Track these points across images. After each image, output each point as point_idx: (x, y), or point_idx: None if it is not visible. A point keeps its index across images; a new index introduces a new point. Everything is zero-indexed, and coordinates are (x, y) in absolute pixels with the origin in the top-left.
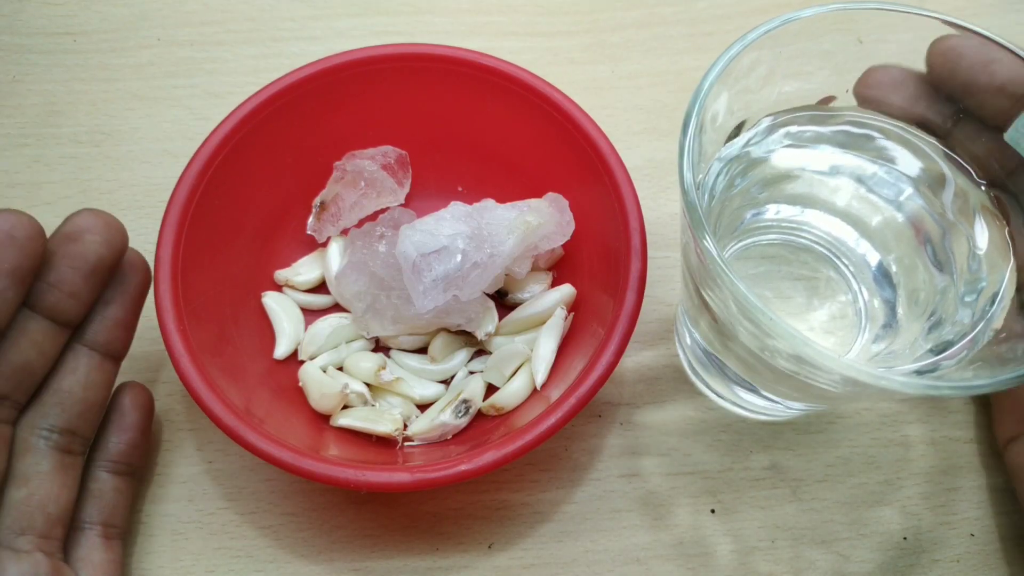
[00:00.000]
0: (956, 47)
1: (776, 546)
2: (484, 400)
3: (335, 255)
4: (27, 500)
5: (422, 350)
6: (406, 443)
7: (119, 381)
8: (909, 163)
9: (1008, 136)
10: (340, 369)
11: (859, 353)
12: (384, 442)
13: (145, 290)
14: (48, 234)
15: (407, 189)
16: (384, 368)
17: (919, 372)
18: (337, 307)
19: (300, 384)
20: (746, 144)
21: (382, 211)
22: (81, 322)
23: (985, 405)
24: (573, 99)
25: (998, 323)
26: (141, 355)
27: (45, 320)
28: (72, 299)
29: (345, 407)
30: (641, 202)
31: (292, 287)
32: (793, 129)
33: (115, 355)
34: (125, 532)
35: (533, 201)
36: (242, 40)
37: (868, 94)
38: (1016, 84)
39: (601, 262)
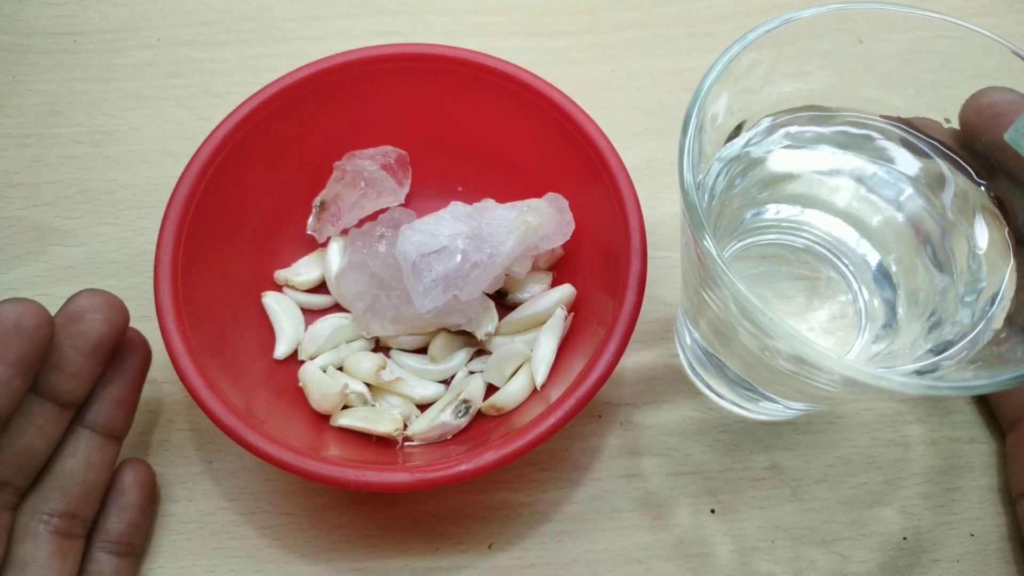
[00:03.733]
0: (994, 104)
1: (776, 546)
2: (484, 400)
3: (335, 255)
4: None
5: (422, 350)
6: (406, 443)
7: None
8: (909, 163)
9: (1008, 136)
10: (340, 369)
11: (859, 353)
12: (384, 442)
13: (145, 369)
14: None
15: (407, 189)
16: (384, 368)
17: (919, 372)
18: (337, 307)
19: (300, 384)
20: (746, 144)
21: (382, 211)
22: (83, 402)
23: (985, 404)
24: (573, 99)
25: (998, 323)
26: None
27: (48, 403)
28: (75, 380)
29: (345, 407)
30: (641, 202)
31: (292, 287)
32: (793, 129)
33: (116, 435)
34: None
35: (533, 201)
36: (242, 40)
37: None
38: None
39: (601, 262)
